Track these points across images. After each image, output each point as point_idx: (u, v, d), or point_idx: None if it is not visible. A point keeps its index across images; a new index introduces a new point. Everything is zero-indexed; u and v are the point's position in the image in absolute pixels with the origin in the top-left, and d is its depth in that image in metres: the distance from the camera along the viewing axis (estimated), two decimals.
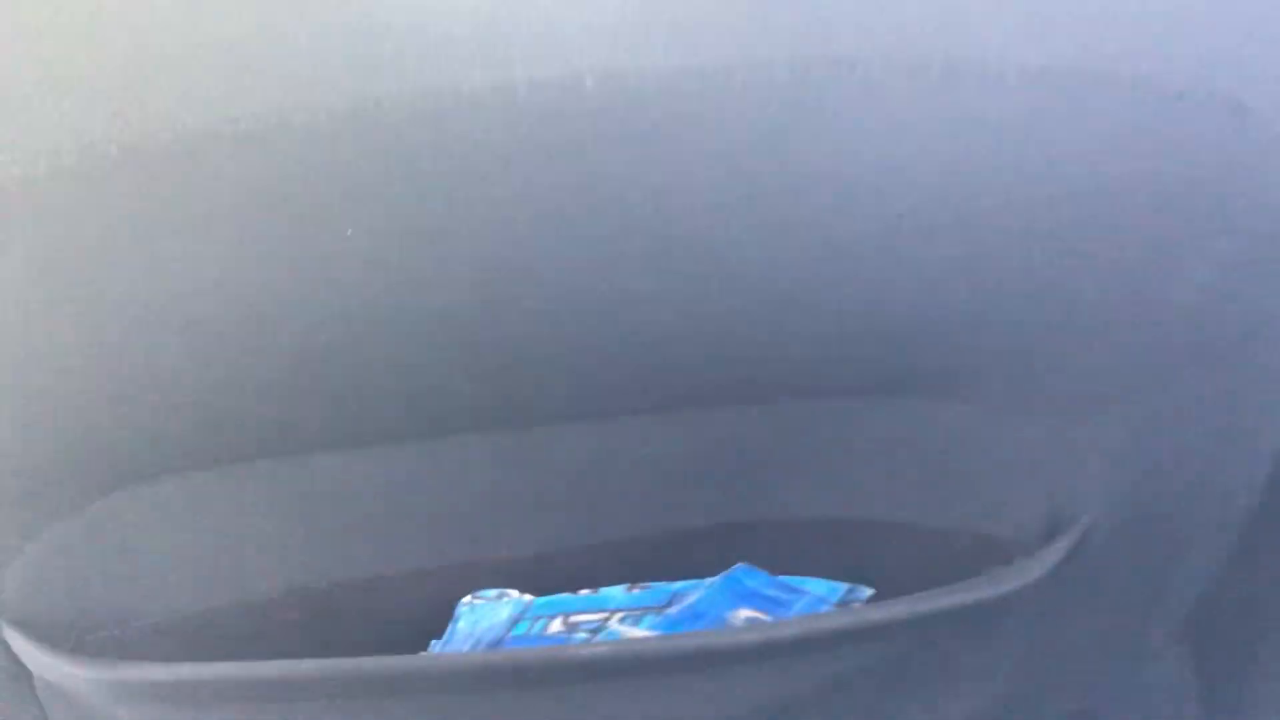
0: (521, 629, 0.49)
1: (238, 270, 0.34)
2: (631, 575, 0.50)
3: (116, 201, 0.31)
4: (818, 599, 0.51)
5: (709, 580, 0.50)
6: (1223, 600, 0.56)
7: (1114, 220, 0.37)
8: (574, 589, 0.49)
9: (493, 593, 0.49)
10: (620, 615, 0.50)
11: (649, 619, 0.51)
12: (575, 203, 0.33)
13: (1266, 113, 0.34)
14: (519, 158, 0.32)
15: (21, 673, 0.46)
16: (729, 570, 0.50)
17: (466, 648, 0.49)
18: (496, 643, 0.49)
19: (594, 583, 0.50)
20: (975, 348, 0.44)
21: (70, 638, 0.44)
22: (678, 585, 0.50)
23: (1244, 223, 0.38)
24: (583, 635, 0.50)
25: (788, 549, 0.50)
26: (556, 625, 0.50)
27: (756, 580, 0.50)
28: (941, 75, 0.31)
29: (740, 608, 0.51)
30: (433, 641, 0.49)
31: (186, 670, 0.44)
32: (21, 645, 0.44)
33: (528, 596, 0.49)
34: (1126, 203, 0.37)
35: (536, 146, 0.31)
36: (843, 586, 0.51)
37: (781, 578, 0.51)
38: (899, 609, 0.48)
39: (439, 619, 0.49)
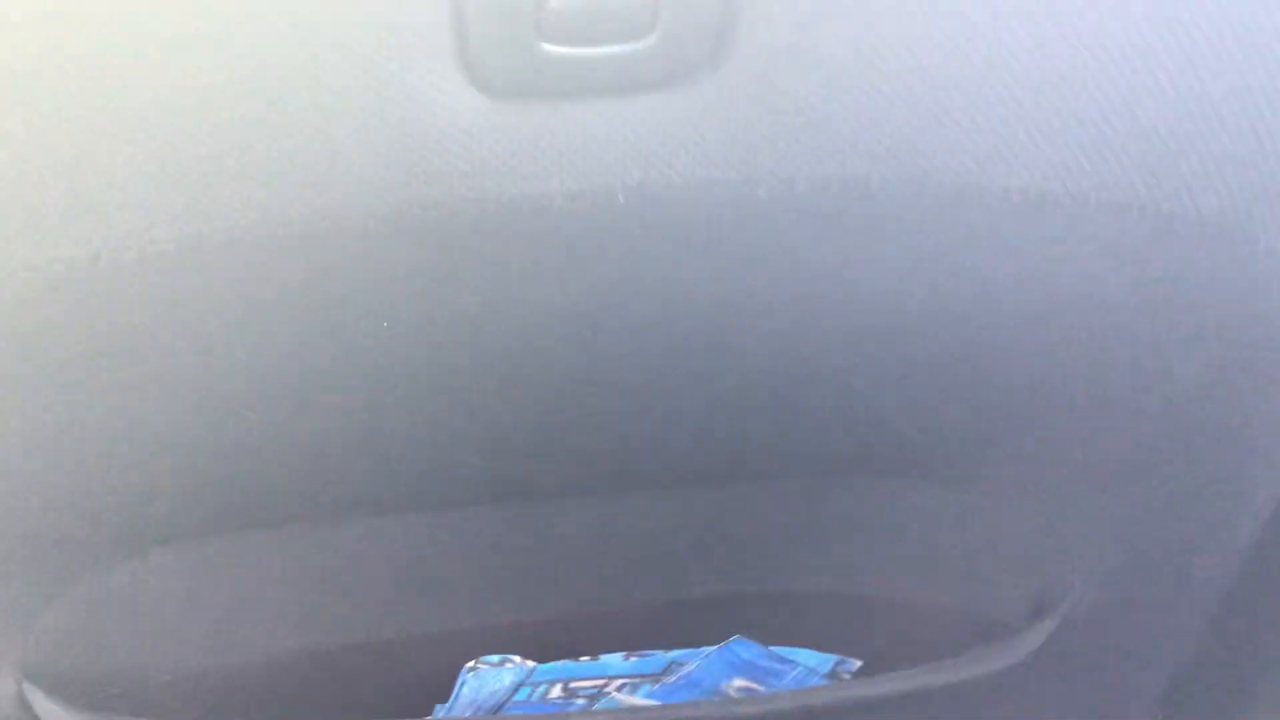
0: (523, 694, 0.51)
1: (271, 354, 0.36)
2: (631, 642, 0.51)
3: (172, 295, 0.33)
4: (808, 670, 0.52)
5: (705, 650, 0.52)
6: (1200, 671, 0.58)
7: (1105, 328, 0.40)
8: (575, 655, 0.51)
9: (496, 658, 0.50)
10: (619, 683, 0.52)
11: (646, 687, 0.52)
12: (597, 302, 0.35)
13: (1248, 230, 0.37)
14: (550, 260, 0.34)
15: None
16: (725, 642, 0.51)
17: (469, 713, 0.50)
18: (498, 708, 0.50)
19: (594, 649, 0.51)
20: (968, 436, 0.46)
21: (88, 694, 0.46)
22: (674, 654, 0.52)
23: (1226, 331, 0.41)
24: (582, 702, 0.51)
25: (781, 620, 0.52)
26: (557, 691, 0.51)
27: (751, 652, 0.52)
28: (948, 196, 0.33)
29: (735, 678, 0.52)
30: (437, 706, 0.50)
31: None
32: (42, 704, 0.45)
33: (530, 663, 0.50)
34: (1113, 313, 0.39)
35: (568, 251, 0.33)
36: (832, 658, 0.53)
37: (774, 648, 0.52)
38: (888, 685, 0.50)
39: (445, 681, 0.50)
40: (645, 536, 0.48)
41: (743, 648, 0.52)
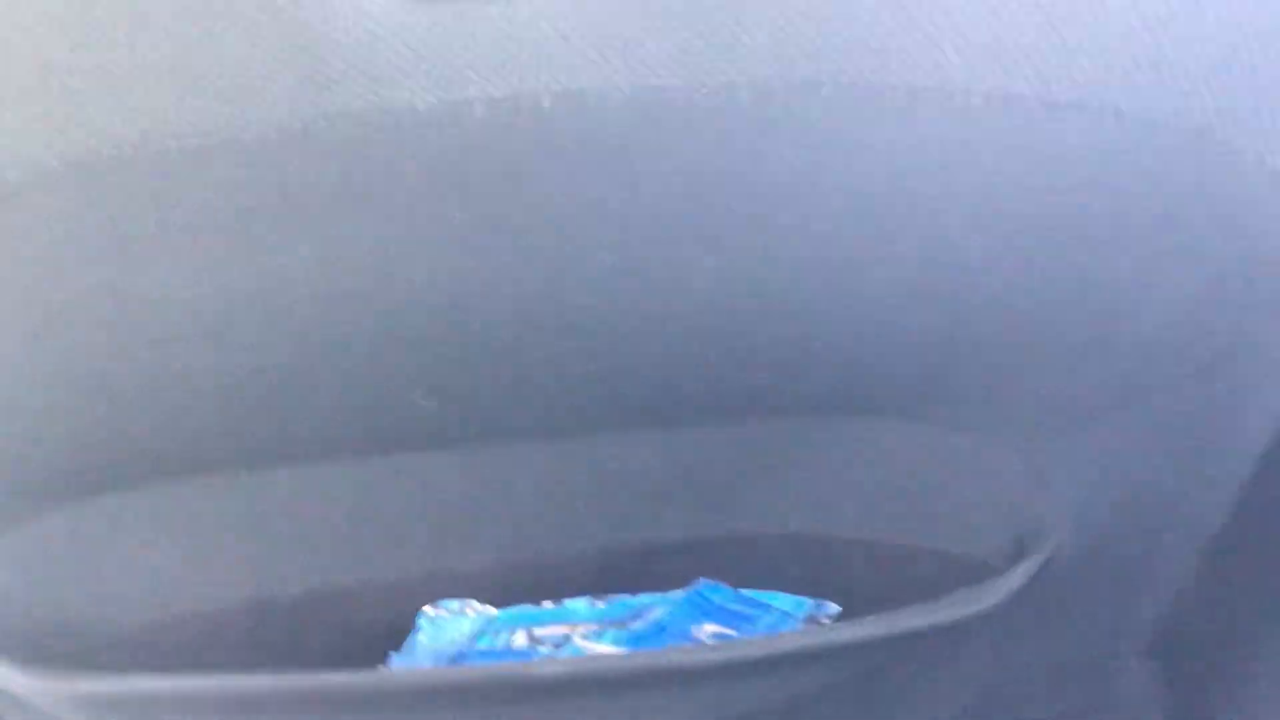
0: (484, 642, 0.49)
1: (194, 284, 0.34)
2: (596, 587, 0.49)
3: (67, 216, 0.30)
4: (783, 614, 0.50)
5: (673, 594, 0.50)
6: (1190, 614, 0.56)
7: (1082, 246, 0.37)
8: (537, 601, 0.49)
9: (455, 604, 0.48)
10: (584, 629, 0.50)
11: (612, 633, 0.50)
12: (531, 223, 0.33)
13: (1236, 141, 0.34)
14: (473, 177, 0.31)
15: None
16: (692, 585, 0.49)
17: (427, 662, 0.48)
18: (458, 656, 0.49)
19: (557, 595, 0.49)
20: (944, 370, 0.43)
21: (27, 648, 0.44)
22: (642, 599, 0.50)
23: (1214, 249, 0.38)
24: (546, 650, 0.50)
25: (754, 564, 0.50)
26: (520, 639, 0.49)
27: (721, 595, 0.50)
28: (905, 99, 0.31)
29: (705, 622, 0.50)
30: (392, 654, 0.49)
31: (143, 683, 0.43)
32: None
33: (490, 609, 0.48)
34: (1094, 229, 0.36)
35: (491, 166, 0.31)
36: (809, 602, 0.51)
37: (746, 592, 0.50)
38: (866, 629, 0.48)
39: (401, 630, 0.48)
40: (609, 478, 0.46)
41: (712, 591, 0.50)
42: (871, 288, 0.38)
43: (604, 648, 0.49)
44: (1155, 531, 0.52)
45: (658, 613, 0.50)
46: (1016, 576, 0.48)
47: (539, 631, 0.49)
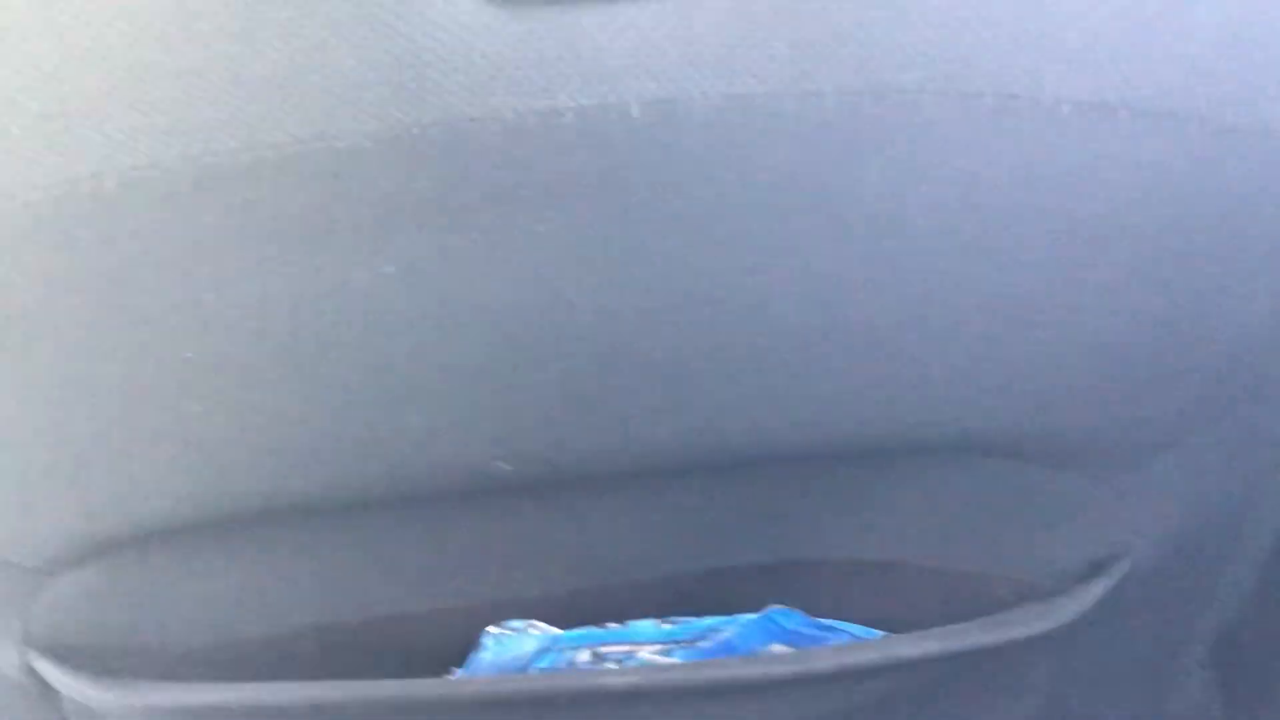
0: (547, 660, 0.49)
1: (274, 299, 0.34)
2: (662, 612, 0.49)
3: (157, 226, 0.31)
4: (853, 639, 0.50)
5: (742, 617, 0.49)
6: (1248, 625, 0.55)
7: (1162, 261, 0.37)
8: (602, 623, 0.49)
9: (519, 623, 0.48)
10: (649, 649, 0.49)
11: (679, 653, 0.50)
12: (622, 233, 0.33)
13: None
14: (564, 185, 0.31)
15: (52, 695, 0.45)
16: (763, 610, 0.49)
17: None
18: (521, 672, 0.48)
19: (623, 618, 0.49)
20: (1019, 398, 0.43)
21: (100, 665, 0.44)
22: (709, 621, 0.49)
23: None
24: (611, 667, 0.49)
25: (822, 590, 0.49)
26: (584, 656, 0.49)
27: (793, 620, 0.49)
28: (994, 107, 0.30)
29: (773, 644, 0.50)
30: (455, 669, 0.48)
31: (211, 693, 0.43)
32: (49, 671, 0.43)
33: (555, 629, 0.48)
34: (1175, 242, 0.36)
35: (582, 173, 0.31)
36: (878, 634, 0.50)
37: (818, 620, 0.50)
38: (932, 644, 0.47)
39: (464, 651, 0.48)
40: (676, 512, 0.46)
41: (784, 617, 0.49)
42: (953, 309, 0.38)
43: (673, 661, 0.49)
44: (1221, 548, 0.51)
45: (726, 633, 0.49)
46: (1085, 597, 0.47)
47: (603, 650, 0.49)
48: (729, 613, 0.49)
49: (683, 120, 0.30)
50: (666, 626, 0.49)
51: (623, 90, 0.29)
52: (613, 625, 0.49)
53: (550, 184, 0.31)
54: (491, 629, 0.48)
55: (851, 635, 0.50)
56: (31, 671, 0.44)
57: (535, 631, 0.48)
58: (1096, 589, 0.47)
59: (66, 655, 0.43)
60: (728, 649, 0.50)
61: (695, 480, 0.45)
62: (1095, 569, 0.48)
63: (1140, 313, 0.39)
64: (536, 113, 0.29)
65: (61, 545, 0.41)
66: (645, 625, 0.49)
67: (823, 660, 0.46)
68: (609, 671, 0.47)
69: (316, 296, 0.34)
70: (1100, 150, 0.32)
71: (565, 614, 0.48)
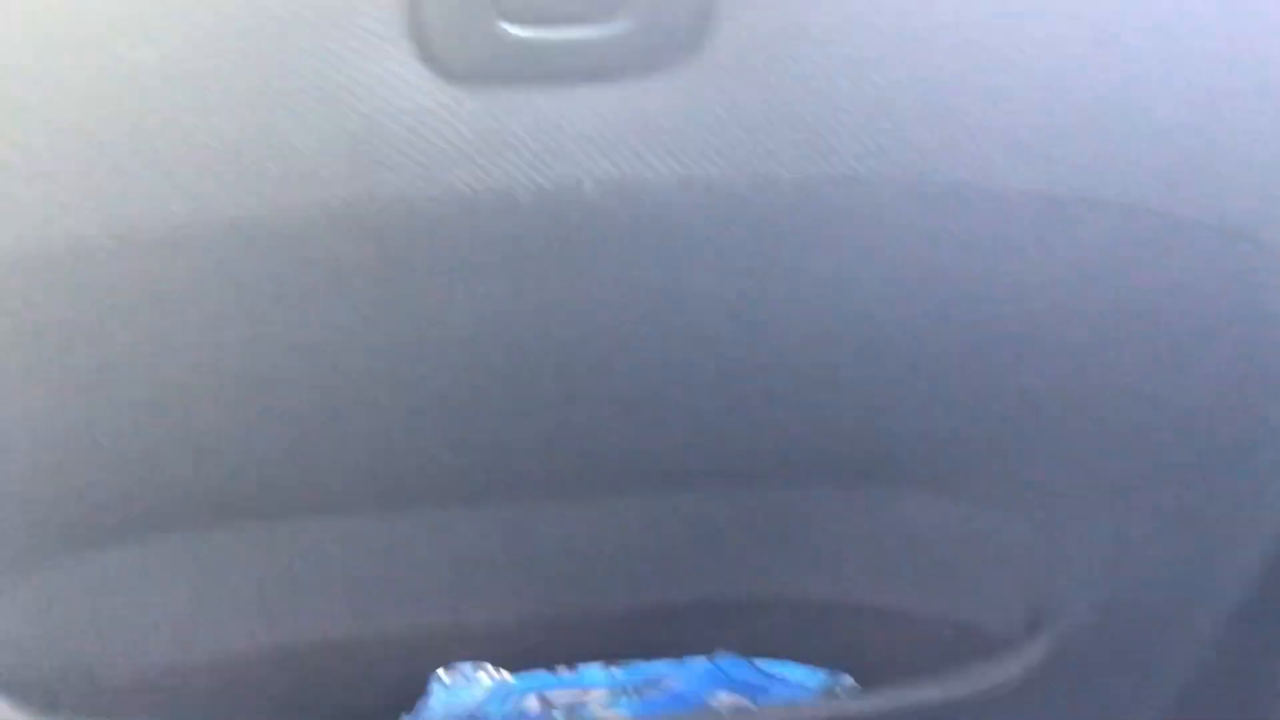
0: (494, 707, 0.48)
1: (222, 350, 0.34)
2: (611, 650, 0.49)
3: (106, 286, 0.30)
4: (798, 685, 0.50)
5: (689, 663, 0.50)
6: (1207, 689, 0.56)
7: (1113, 333, 0.37)
8: (551, 663, 0.49)
9: (468, 667, 0.48)
10: (598, 695, 0.49)
11: (626, 702, 0.50)
12: (569, 301, 0.33)
13: (1272, 240, 0.34)
14: (515, 258, 0.31)
15: None
16: (710, 656, 0.49)
17: None
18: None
19: (572, 656, 0.49)
20: (967, 444, 0.43)
21: (41, 694, 0.44)
22: (658, 666, 0.50)
23: (1242, 340, 0.38)
24: (558, 713, 0.49)
25: (769, 629, 0.50)
26: (532, 703, 0.49)
27: (738, 668, 0.50)
28: (947, 194, 0.31)
29: (721, 691, 0.50)
30: (404, 716, 0.48)
31: None
32: None
33: (504, 674, 0.48)
34: (1125, 317, 0.37)
35: (533, 248, 0.31)
36: (823, 674, 0.51)
37: (762, 663, 0.50)
38: (879, 701, 0.48)
39: (414, 684, 0.48)
40: (626, 540, 0.46)
41: (729, 664, 0.49)
42: (896, 367, 0.38)
43: (619, 716, 0.49)
44: (1175, 608, 0.52)
45: (673, 681, 0.50)
46: (1033, 651, 0.48)
47: (553, 696, 0.49)
48: (678, 654, 0.49)
49: (637, 200, 0.30)
50: (614, 671, 0.49)
51: (578, 170, 0.29)
52: (562, 670, 0.49)
53: (505, 258, 0.31)
54: (441, 673, 0.48)
55: (798, 683, 0.50)
56: None
57: (485, 678, 0.48)
58: (1042, 643, 0.48)
59: (12, 687, 0.43)
60: (675, 698, 0.50)
61: (645, 509, 0.45)
62: (1039, 619, 0.48)
63: (1090, 376, 0.39)
64: (492, 191, 0.29)
65: (4, 557, 0.41)
66: (594, 671, 0.49)
67: (770, 717, 0.47)
68: None
69: (271, 344, 0.34)
70: (1050, 235, 0.32)
71: (513, 647, 0.48)
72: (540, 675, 0.49)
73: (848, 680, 0.51)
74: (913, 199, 0.31)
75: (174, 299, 0.31)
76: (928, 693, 0.48)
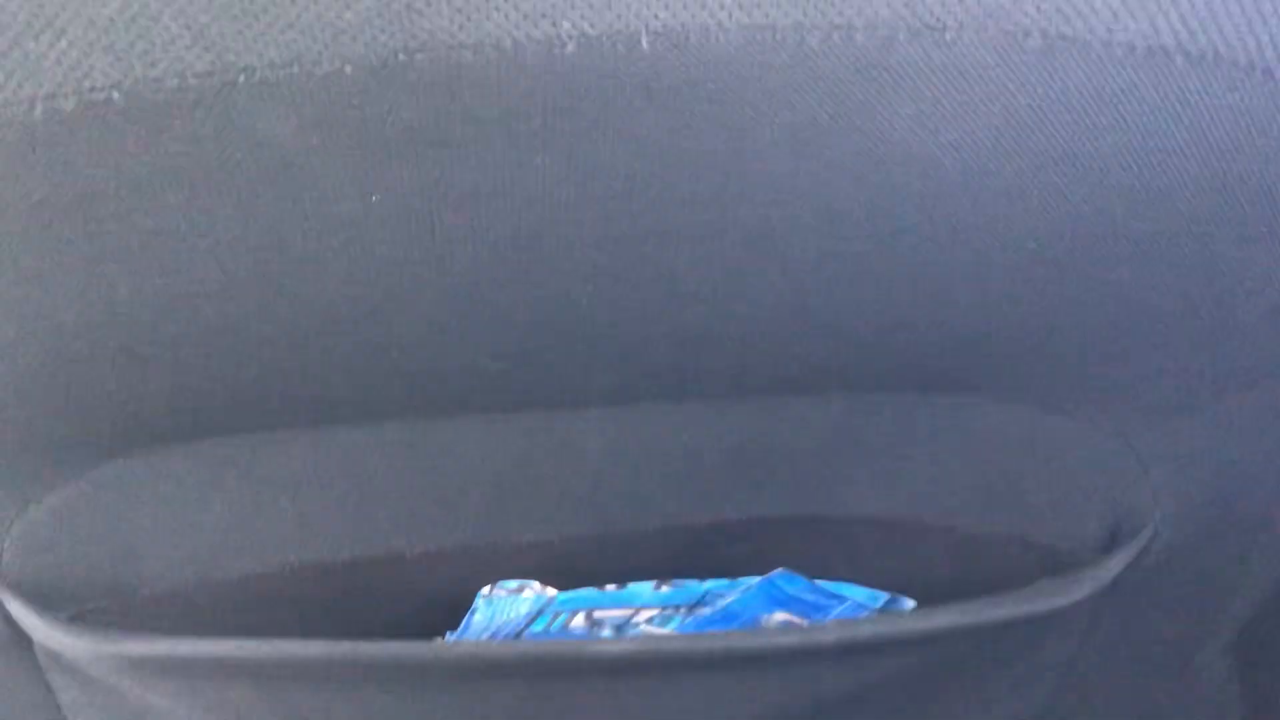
0: (541, 624, 0.47)
1: (251, 229, 0.32)
2: (661, 570, 0.47)
3: (121, 151, 0.28)
4: (857, 606, 0.48)
5: (744, 582, 0.47)
6: (1271, 611, 0.53)
7: (1201, 213, 0.34)
8: (599, 583, 0.47)
9: (513, 584, 0.46)
10: (648, 614, 0.48)
11: (677, 620, 0.48)
12: (622, 170, 0.30)
13: None
14: (564, 119, 0.29)
15: (23, 640, 0.43)
16: (767, 575, 0.47)
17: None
18: (514, 637, 0.47)
19: (621, 577, 0.47)
20: (1042, 346, 0.40)
21: (71, 606, 0.42)
22: (709, 585, 0.47)
23: None
24: (607, 633, 0.47)
25: (828, 550, 0.47)
26: (579, 621, 0.47)
27: (795, 585, 0.47)
28: (1040, 46, 0.28)
29: (776, 611, 0.48)
30: (448, 633, 0.47)
31: (189, 646, 0.41)
32: (20, 612, 0.41)
33: (550, 590, 0.46)
34: (1217, 194, 0.33)
35: (584, 109, 0.28)
36: (884, 595, 0.48)
37: (821, 583, 0.48)
38: (943, 618, 0.45)
39: (456, 605, 0.46)
40: (677, 452, 0.44)
41: (786, 581, 0.47)
42: (974, 252, 0.35)
43: (669, 633, 0.47)
44: (1252, 526, 0.49)
45: (727, 600, 0.47)
46: (1107, 569, 0.45)
47: (599, 614, 0.47)
48: (730, 575, 0.47)
49: (696, 53, 0.27)
50: (665, 590, 0.47)
51: (631, 18, 0.27)
52: (610, 587, 0.47)
53: (549, 118, 0.28)
54: (484, 590, 0.46)
55: (857, 602, 0.48)
56: (4, 615, 0.42)
57: (529, 594, 0.46)
58: (1117, 561, 0.45)
59: (39, 595, 0.41)
60: (728, 616, 0.48)
61: (698, 417, 0.43)
62: (1116, 538, 0.46)
63: (1175, 265, 0.36)
64: (536, 41, 0.27)
65: (39, 463, 0.39)
66: (643, 588, 0.47)
67: (828, 633, 0.44)
68: (604, 640, 0.45)
69: (298, 226, 0.32)
70: (1150, 96, 0.29)
71: (560, 565, 0.46)
72: (587, 593, 0.47)
73: (908, 603, 0.49)
74: (1002, 52, 0.28)
75: (195, 165, 0.29)
76: (993, 612, 0.45)
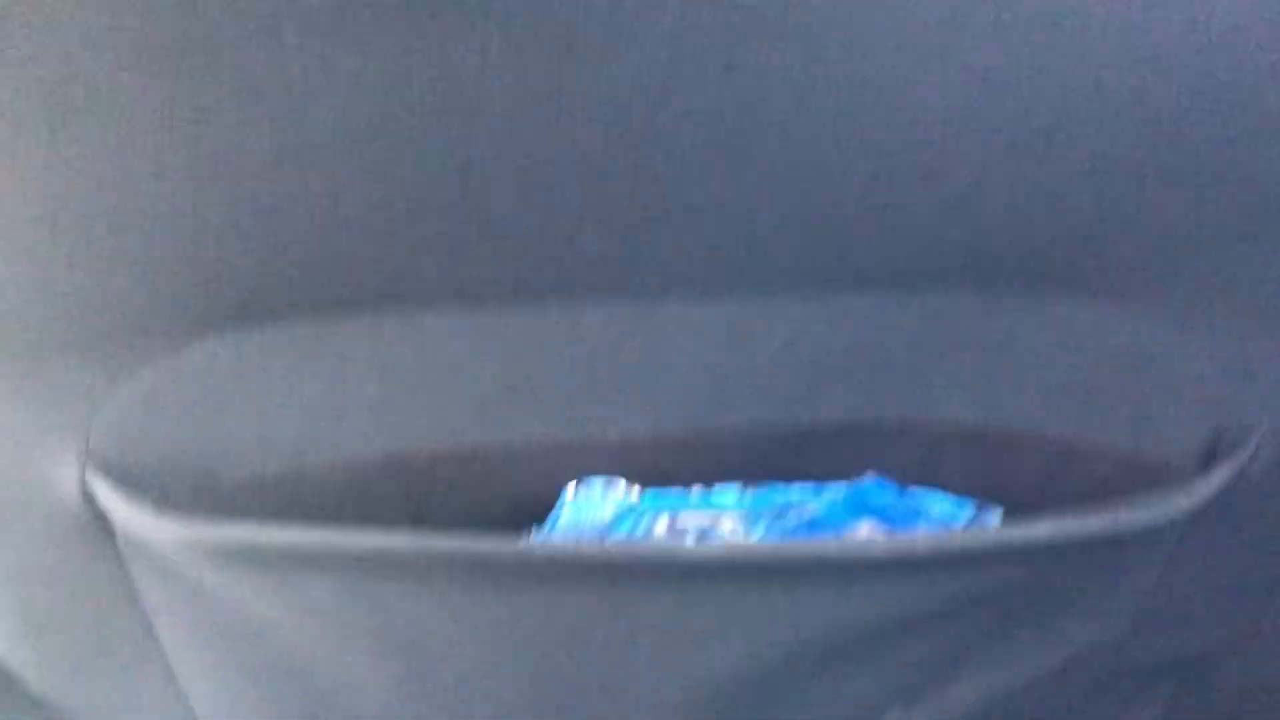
0: (625, 526, 0.46)
1: (371, 72, 0.31)
2: (748, 473, 0.46)
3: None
4: (945, 518, 0.47)
5: (830, 488, 0.47)
6: None
7: None
8: (686, 482, 0.46)
9: (600, 482, 0.46)
10: (732, 519, 0.47)
11: (762, 527, 0.47)
12: (725, 34, 0.30)
13: None
14: None
15: (107, 528, 0.43)
16: (856, 481, 0.46)
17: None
18: (598, 538, 0.46)
19: (707, 479, 0.46)
20: (1143, 242, 0.39)
21: (156, 488, 0.42)
22: (796, 491, 0.47)
23: None
24: (689, 541, 0.47)
25: (917, 457, 0.47)
26: (663, 525, 0.47)
27: (883, 493, 0.47)
28: None
29: (863, 520, 0.47)
30: (533, 529, 0.46)
31: (270, 534, 0.41)
32: (106, 494, 0.41)
33: (636, 489, 0.46)
34: None
35: None
36: (971, 507, 0.48)
37: (910, 491, 0.47)
38: (1031, 534, 0.44)
39: (541, 503, 0.46)
40: (769, 348, 0.43)
41: (875, 488, 0.46)
42: (1078, 142, 0.34)
43: (753, 538, 0.46)
44: None
45: (812, 507, 0.47)
46: (1209, 483, 0.44)
47: (683, 520, 0.47)
48: (818, 476, 0.47)
49: None
50: (750, 495, 0.46)
51: None
52: (696, 489, 0.46)
53: None
54: (572, 487, 0.46)
55: (944, 513, 0.47)
56: (88, 497, 0.42)
57: (616, 495, 0.46)
58: (1217, 478, 0.44)
59: (125, 476, 0.41)
60: (814, 525, 0.47)
61: (790, 312, 0.42)
62: (1216, 454, 0.45)
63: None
64: None
65: (132, 336, 0.39)
66: (728, 493, 0.46)
67: (920, 544, 0.43)
68: (691, 546, 0.45)
69: (420, 73, 0.31)
70: None
71: (647, 466, 0.45)
72: (673, 495, 0.46)
73: (996, 515, 0.48)
74: None
75: (322, 5, 0.29)
76: (1086, 527, 0.44)
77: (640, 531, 0.46)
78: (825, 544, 0.44)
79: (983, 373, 0.44)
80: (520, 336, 0.42)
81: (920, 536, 0.45)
